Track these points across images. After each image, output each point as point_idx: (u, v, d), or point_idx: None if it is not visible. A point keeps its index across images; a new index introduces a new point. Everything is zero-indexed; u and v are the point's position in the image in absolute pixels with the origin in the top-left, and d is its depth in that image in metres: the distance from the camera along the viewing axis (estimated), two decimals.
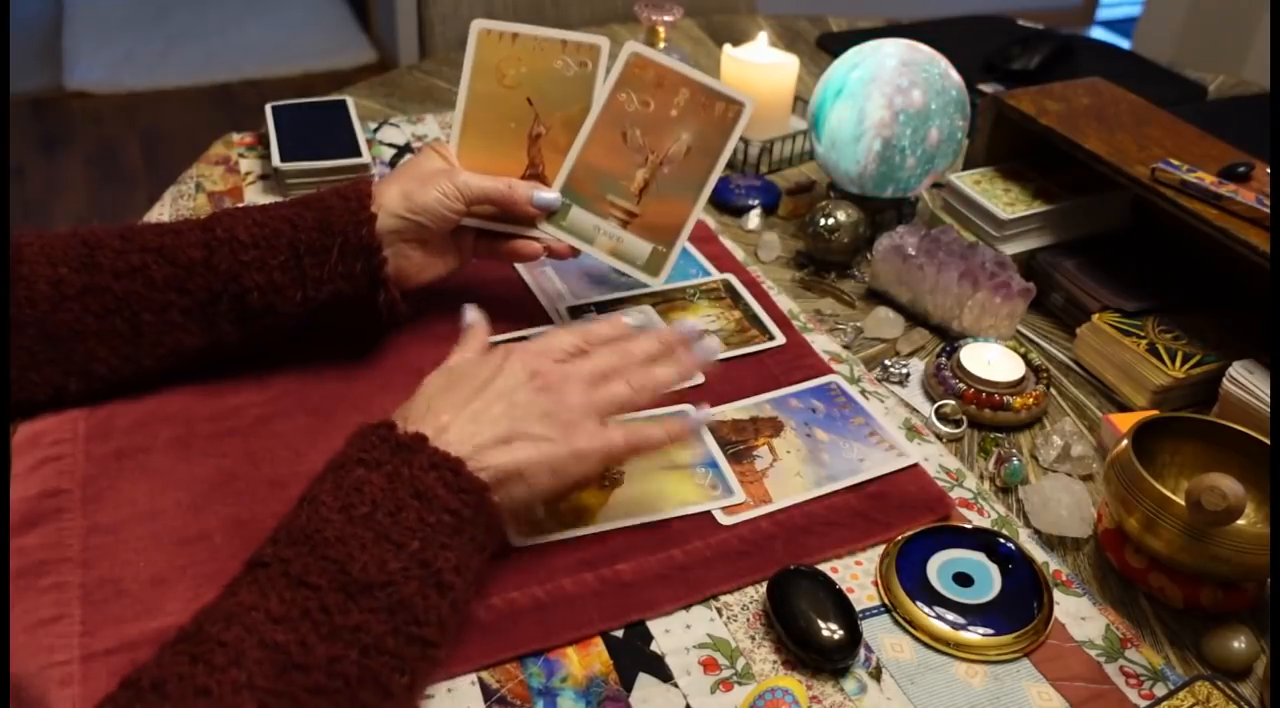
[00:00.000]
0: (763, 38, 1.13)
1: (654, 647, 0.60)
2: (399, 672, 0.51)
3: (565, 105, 0.78)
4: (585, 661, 0.59)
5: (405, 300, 0.76)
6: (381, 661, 0.50)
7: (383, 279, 0.73)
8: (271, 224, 0.71)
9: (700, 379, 0.79)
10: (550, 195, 0.78)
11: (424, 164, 0.77)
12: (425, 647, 0.52)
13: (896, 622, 0.62)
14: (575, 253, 0.80)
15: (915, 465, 0.72)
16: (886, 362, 0.85)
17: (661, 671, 0.59)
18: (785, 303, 0.90)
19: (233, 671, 0.47)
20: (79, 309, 0.68)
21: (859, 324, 0.89)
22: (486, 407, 0.60)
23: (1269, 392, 0.74)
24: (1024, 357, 0.82)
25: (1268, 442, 0.66)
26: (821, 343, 0.85)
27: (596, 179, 0.79)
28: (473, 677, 0.58)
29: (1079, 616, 0.64)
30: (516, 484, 0.60)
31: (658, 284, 0.79)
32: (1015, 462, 0.74)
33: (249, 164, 1.05)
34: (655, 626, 0.61)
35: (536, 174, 0.79)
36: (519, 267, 0.91)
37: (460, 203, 0.75)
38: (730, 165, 1.14)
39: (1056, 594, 0.65)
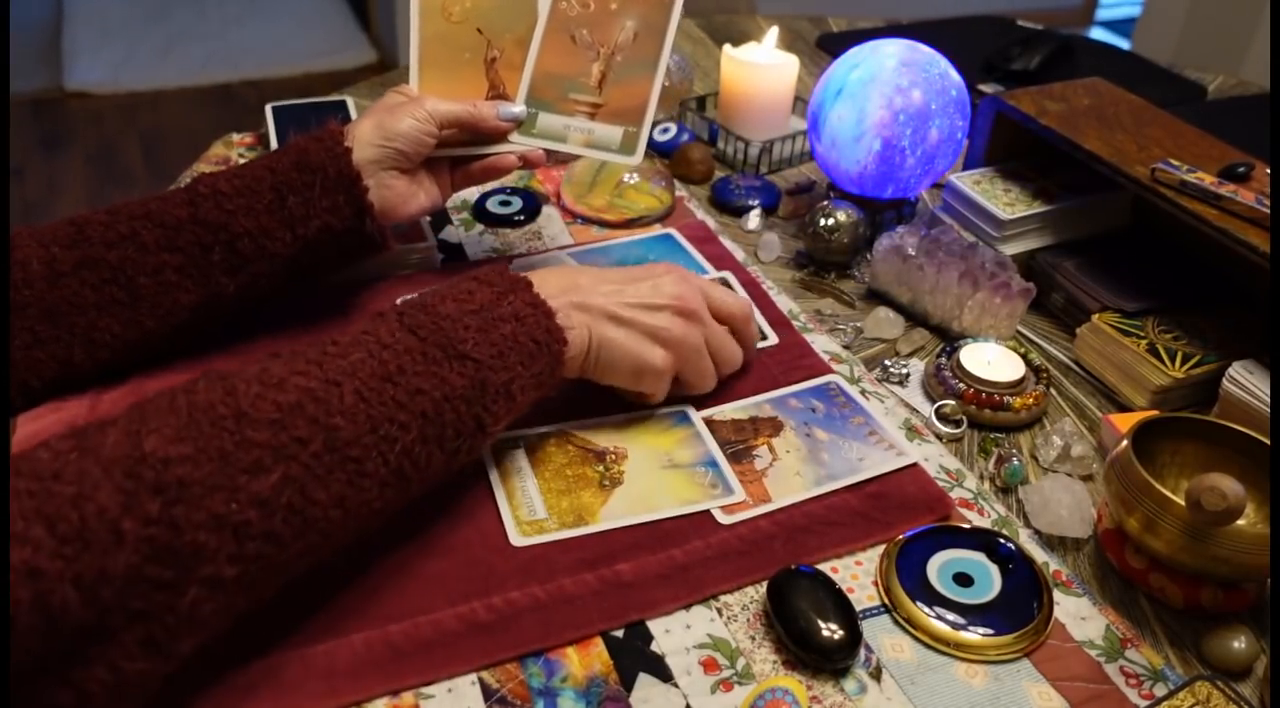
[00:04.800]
0: (772, 37, 1.12)
1: (654, 647, 0.60)
2: (457, 433, 0.59)
3: (513, 27, 0.84)
4: (585, 661, 0.59)
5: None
6: (452, 415, 0.58)
7: (367, 207, 0.75)
8: (251, 172, 0.74)
9: None
10: (515, 107, 0.82)
11: (390, 100, 0.80)
12: (479, 428, 0.60)
13: (896, 622, 0.62)
14: (549, 156, 0.84)
15: (915, 465, 0.72)
16: (886, 362, 0.85)
17: (661, 671, 0.59)
18: (785, 303, 0.90)
19: (339, 361, 0.56)
20: (75, 283, 0.70)
21: (859, 324, 0.89)
22: (625, 288, 0.70)
23: (1269, 392, 0.74)
24: (1024, 357, 0.82)
25: (1268, 442, 0.66)
26: (821, 343, 0.85)
27: (556, 83, 0.83)
28: (473, 677, 0.58)
29: (1079, 616, 0.64)
30: (607, 350, 0.69)
31: (636, 161, 0.83)
32: (1015, 462, 0.74)
33: None
34: (655, 626, 0.61)
35: (499, 95, 0.85)
36: (522, 264, 0.91)
37: (433, 126, 0.78)
38: (730, 165, 1.14)
39: (1056, 594, 0.65)
